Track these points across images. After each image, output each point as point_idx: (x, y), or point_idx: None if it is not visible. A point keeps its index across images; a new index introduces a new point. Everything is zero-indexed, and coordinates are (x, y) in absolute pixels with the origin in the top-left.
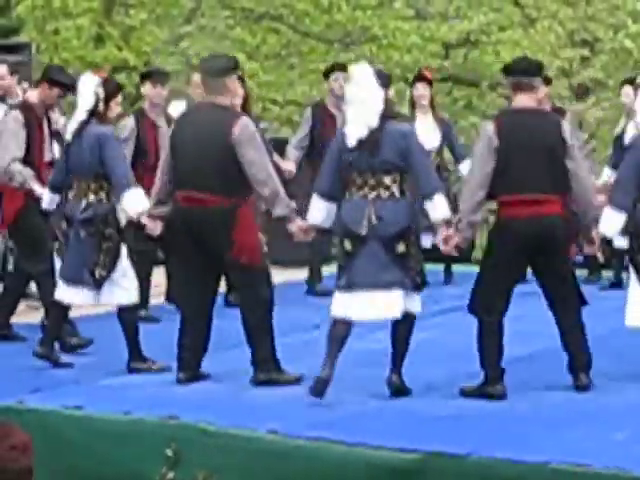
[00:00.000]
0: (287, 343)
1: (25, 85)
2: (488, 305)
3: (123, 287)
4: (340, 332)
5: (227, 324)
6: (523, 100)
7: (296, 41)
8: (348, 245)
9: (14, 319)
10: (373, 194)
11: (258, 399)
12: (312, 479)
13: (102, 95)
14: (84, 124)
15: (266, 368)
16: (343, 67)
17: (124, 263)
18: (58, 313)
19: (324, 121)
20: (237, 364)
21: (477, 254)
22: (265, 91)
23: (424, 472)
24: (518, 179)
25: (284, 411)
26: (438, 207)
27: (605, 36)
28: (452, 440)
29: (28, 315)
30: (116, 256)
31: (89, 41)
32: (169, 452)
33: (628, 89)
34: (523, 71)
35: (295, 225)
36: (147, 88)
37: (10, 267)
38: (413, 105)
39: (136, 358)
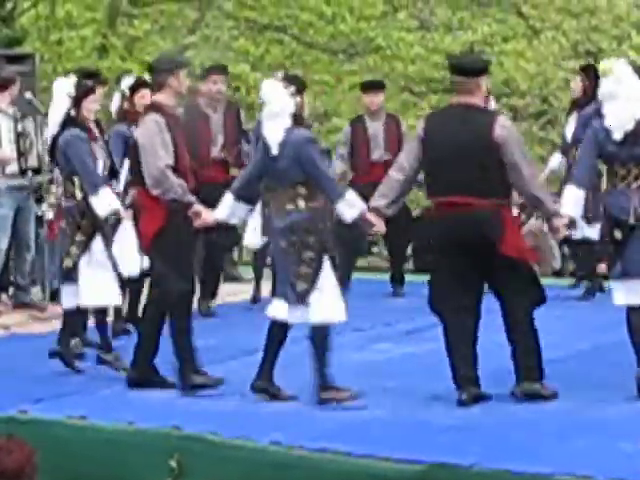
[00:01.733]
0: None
1: (29, 95)
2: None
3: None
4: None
5: (228, 333)
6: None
7: (300, 52)
8: (618, 234)
9: (17, 328)
10: (636, 184)
11: (262, 410)
12: None
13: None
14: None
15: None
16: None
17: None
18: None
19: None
20: (240, 374)
21: None
22: None
23: None
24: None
25: (288, 422)
26: None
27: (609, 47)
28: (456, 451)
29: (31, 326)
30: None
31: (93, 51)
32: (173, 463)
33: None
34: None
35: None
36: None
37: (11, 276)
38: None
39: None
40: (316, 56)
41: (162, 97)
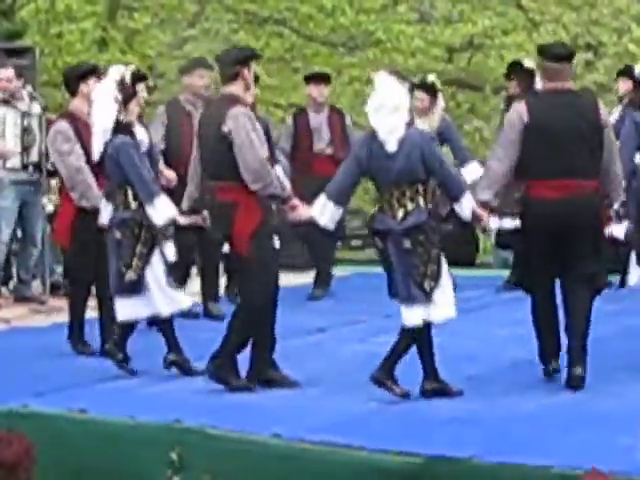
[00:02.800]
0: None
1: (29, 88)
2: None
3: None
4: None
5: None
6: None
7: (300, 45)
8: None
9: (18, 322)
10: None
11: (262, 403)
12: None
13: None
14: None
15: None
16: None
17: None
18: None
19: None
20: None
21: (481, 258)
22: (269, 95)
23: (427, 476)
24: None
25: (288, 415)
26: None
27: (609, 40)
28: (455, 444)
29: (32, 320)
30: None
31: (93, 45)
32: (174, 456)
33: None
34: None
35: None
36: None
37: (14, 271)
38: None
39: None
40: (316, 49)
41: (234, 89)
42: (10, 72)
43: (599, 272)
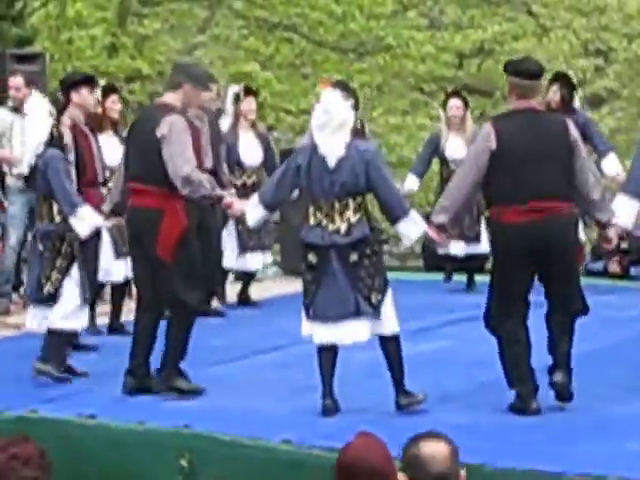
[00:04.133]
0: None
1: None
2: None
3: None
4: None
5: (238, 333)
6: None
7: (310, 50)
8: None
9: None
10: None
11: (272, 409)
12: None
13: None
14: None
15: None
16: None
17: None
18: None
19: None
20: (249, 374)
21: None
22: (279, 101)
23: None
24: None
25: (298, 421)
26: None
27: (619, 46)
28: (467, 450)
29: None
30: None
31: (103, 51)
32: (183, 462)
33: None
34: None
35: None
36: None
37: (24, 277)
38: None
39: None
40: (326, 55)
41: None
42: (19, 80)
43: (574, 296)
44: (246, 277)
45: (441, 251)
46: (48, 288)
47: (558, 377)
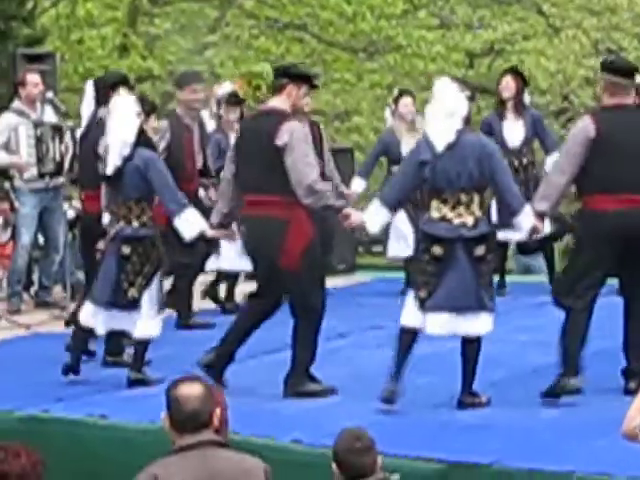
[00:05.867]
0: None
1: (50, 94)
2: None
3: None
4: None
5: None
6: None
7: (320, 50)
8: None
9: (39, 328)
10: None
11: (283, 409)
12: None
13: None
14: None
15: None
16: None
17: None
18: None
19: None
20: (260, 373)
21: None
22: None
23: None
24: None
25: (309, 421)
26: None
27: (629, 45)
28: (477, 449)
29: (53, 325)
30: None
31: (113, 50)
32: None
33: None
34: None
35: None
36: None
37: (35, 277)
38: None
39: None
40: (337, 55)
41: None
42: (37, 77)
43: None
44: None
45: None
46: (132, 293)
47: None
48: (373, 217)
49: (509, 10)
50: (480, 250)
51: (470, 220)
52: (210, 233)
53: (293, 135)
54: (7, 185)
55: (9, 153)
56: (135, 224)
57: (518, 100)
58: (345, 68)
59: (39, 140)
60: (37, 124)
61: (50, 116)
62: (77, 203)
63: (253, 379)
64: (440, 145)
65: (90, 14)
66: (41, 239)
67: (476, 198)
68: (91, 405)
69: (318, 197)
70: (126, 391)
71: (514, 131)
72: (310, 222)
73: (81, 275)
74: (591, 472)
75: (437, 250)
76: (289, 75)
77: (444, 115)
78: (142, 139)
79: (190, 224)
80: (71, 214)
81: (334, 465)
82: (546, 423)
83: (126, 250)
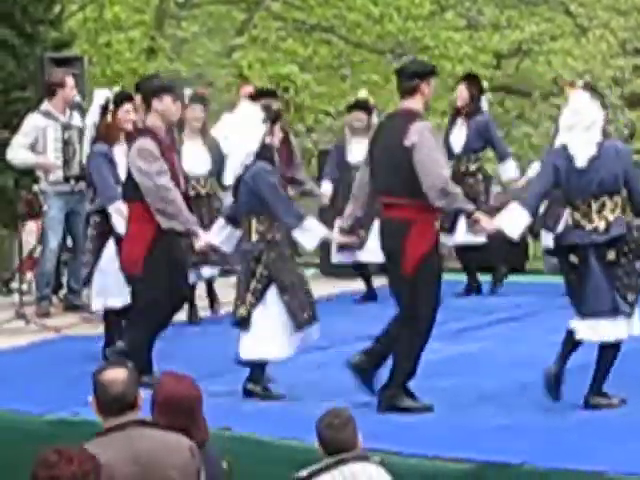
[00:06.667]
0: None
1: (77, 98)
2: None
3: None
4: None
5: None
6: None
7: (348, 52)
8: None
9: (68, 330)
10: None
11: (310, 410)
12: None
13: None
14: None
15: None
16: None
17: None
18: None
19: None
20: (287, 375)
21: (531, 265)
22: (317, 102)
23: None
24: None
25: None
26: None
27: None
28: (507, 450)
29: (81, 328)
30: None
31: (141, 53)
32: (223, 464)
33: None
34: None
35: None
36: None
37: (64, 280)
38: None
39: None
40: (364, 56)
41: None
42: (72, 80)
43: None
44: None
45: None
46: (241, 311)
47: None
48: (516, 222)
49: (536, 10)
50: (611, 254)
51: (602, 225)
52: (337, 238)
53: (423, 135)
54: (36, 187)
55: (35, 155)
56: (244, 239)
57: (470, 108)
58: (372, 70)
59: (66, 143)
60: (65, 127)
61: (77, 120)
62: None
63: (282, 381)
64: (582, 160)
65: (117, 17)
66: (69, 242)
67: (608, 203)
68: None
69: (451, 199)
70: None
71: (458, 138)
72: (435, 227)
73: None
74: (622, 472)
75: (573, 258)
76: (419, 75)
77: (583, 128)
78: (263, 150)
79: (312, 234)
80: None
81: (316, 441)
82: (577, 424)
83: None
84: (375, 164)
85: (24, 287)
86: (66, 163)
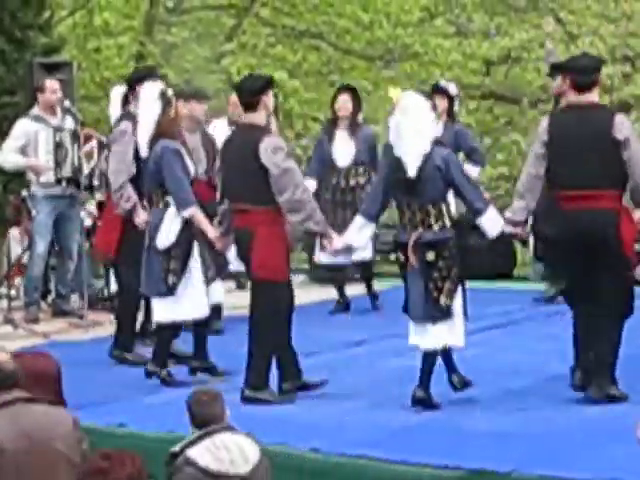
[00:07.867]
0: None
1: (67, 103)
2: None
3: None
4: None
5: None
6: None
7: (337, 58)
8: None
9: (56, 336)
10: None
11: (301, 417)
12: None
13: None
14: None
15: None
16: None
17: None
18: None
19: None
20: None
21: (519, 271)
22: (306, 108)
23: None
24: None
25: (327, 429)
26: None
27: None
28: (495, 457)
29: (70, 334)
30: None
31: (130, 59)
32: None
33: None
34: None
35: None
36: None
37: (51, 286)
38: None
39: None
40: (353, 62)
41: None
42: (55, 84)
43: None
44: None
45: None
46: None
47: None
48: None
49: (526, 17)
50: (431, 255)
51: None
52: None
53: (630, 129)
54: (24, 192)
55: (26, 157)
56: (435, 228)
57: (353, 119)
58: (362, 76)
59: (58, 145)
60: (57, 129)
61: (70, 124)
62: (94, 210)
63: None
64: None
65: (107, 23)
66: (57, 246)
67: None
68: (110, 413)
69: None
70: (145, 399)
71: (344, 151)
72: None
73: (99, 284)
74: (608, 479)
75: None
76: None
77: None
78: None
79: (494, 222)
80: (88, 223)
81: (188, 417)
82: (564, 431)
83: (431, 256)
84: (571, 158)
85: (12, 292)
86: (58, 165)
